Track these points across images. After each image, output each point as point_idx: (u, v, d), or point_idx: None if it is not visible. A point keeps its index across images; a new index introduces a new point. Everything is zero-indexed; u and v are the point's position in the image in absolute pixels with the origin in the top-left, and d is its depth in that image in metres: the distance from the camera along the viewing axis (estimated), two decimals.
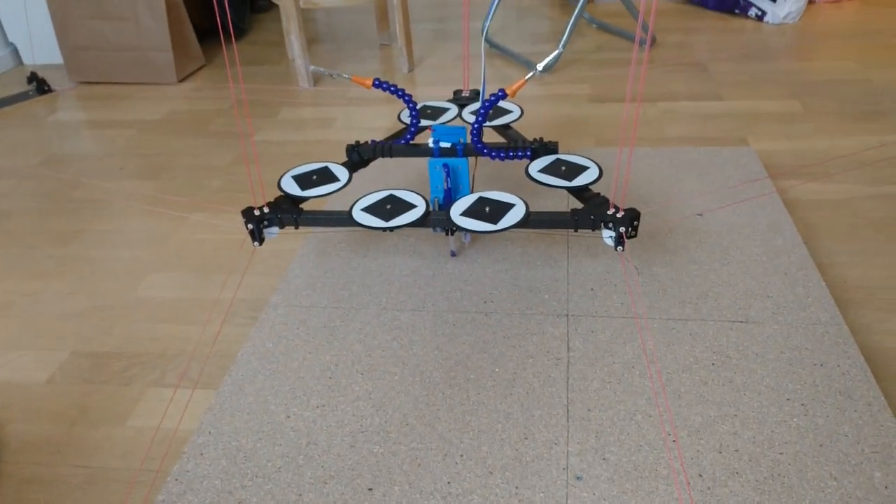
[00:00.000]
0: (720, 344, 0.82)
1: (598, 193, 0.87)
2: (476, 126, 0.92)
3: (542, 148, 0.97)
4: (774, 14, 2.01)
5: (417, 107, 1.11)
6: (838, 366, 0.78)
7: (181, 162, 1.46)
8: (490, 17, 1.98)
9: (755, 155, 1.24)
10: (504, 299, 0.92)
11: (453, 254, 1.02)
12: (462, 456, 0.70)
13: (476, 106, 1.12)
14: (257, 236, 0.88)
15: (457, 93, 1.17)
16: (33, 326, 1.00)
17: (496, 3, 1.96)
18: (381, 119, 1.59)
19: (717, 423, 0.72)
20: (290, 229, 0.91)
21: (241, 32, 2.24)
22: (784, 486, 0.65)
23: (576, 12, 1.71)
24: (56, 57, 1.98)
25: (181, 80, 1.91)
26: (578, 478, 0.68)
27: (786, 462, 0.67)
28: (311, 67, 0.93)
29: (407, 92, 0.95)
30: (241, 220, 1.22)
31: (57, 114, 1.76)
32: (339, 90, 1.79)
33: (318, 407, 0.77)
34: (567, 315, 0.88)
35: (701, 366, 0.79)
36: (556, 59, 0.86)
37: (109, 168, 1.46)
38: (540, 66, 0.85)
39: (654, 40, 1.90)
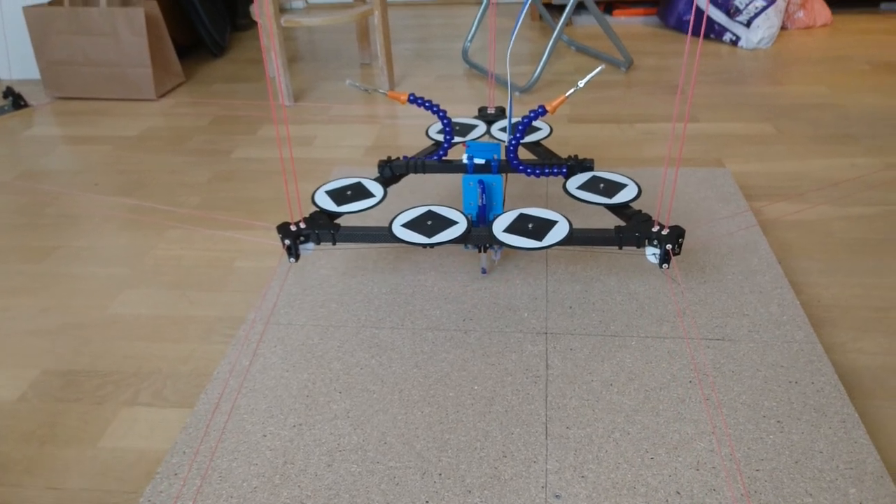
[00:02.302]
0: (697, 361, 0.83)
1: (640, 210, 0.87)
2: (514, 143, 0.92)
3: (578, 165, 0.97)
4: (748, 39, 2.05)
5: (441, 125, 1.11)
6: (812, 383, 0.79)
7: (158, 179, 1.45)
8: (471, 37, 2.00)
9: (731, 176, 1.26)
10: (483, 317, 0.92)
11: (484, 271, 1.02)
12: (440, 475, 0.70)
13: (505, 123, 1.12)
14: (294, 252, 0.87)
15: (482, 110, 1.18)
16: (4, 343, 0.98)
17: (476, 23, 1.99)
18: (361, 138, 1.59)
19: (695, 441, 0.72)
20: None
21: (220, 50, 2.24)
22: (761, 503, 0.65)
23: (555, 33, 1.73)
24: (33, 72, 1.96)
25: (160, 97, 1.90)
26: (557, 496, 0.67)
27: (762, 479, 0.68)
28: (348, 81, 0.93)
29: (442, 108, 0.96)
30: (218, 237, 1.21)
31: (33, 129, 1.74)
32: (320, 108, 1.79)
33: (295, 426, 0.77)
34: (546, 333, 0.89)
35: (678, 383, 0.80)
36: (598, 73, 0.86)
37: (85, 184, 1.44)
38: (581, 83, 0.85)
39: (630, 62, 1.93)
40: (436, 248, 1.07)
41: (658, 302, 0.93)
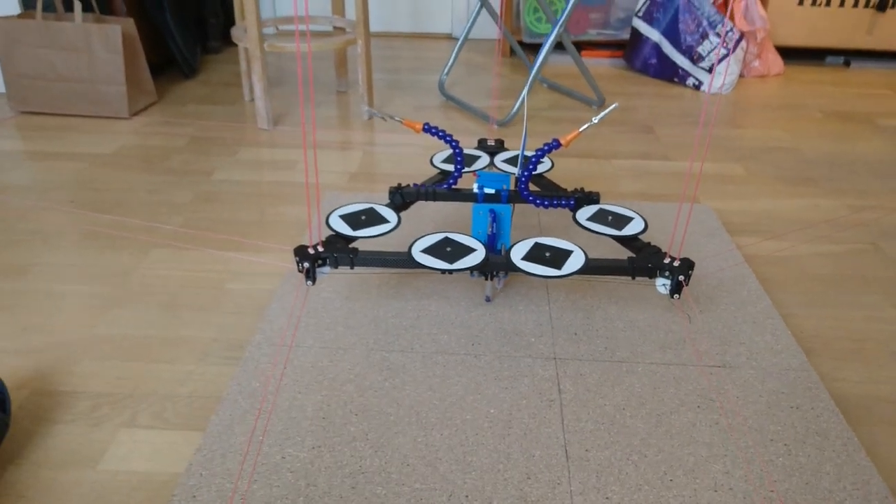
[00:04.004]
0: (702, 387, 0.86)
1: (649, 243, 0.90)
2: (526, 174, 0.94)
3: (585, 198, 1.00)
4: (710, 84, 2.16)
5: (446, 155, 1.12)
6: (812, 408, 0.83)
7: (138, 197, 1.41)
8: (448, 69, 2.05)
9: (712, 212, 1.32)
10: (491, 341, 0.93)
11: (488, 299, 1.03)
12: (467, 496, 0.70)
13: (508, 154, 1.15)
14: (312, 275, 0.87)
15: (481, 141, 1.20)
16: None
17: (454, 57, 2.03)
18: (344, 164, 1.60)
19: (710, 463, 0.75)
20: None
21: (192, 71, 2.21)
22: None
23: (533, 71, 1.79)
24: None
25: (132, 115, 1.86)
26: None
27: (777, 500, 0.70)
28: (365, 108, 0.94)
29: (454, 138, 0.98)
30: (206, 257, 1.20)
31: None
32: (300, 131, 1.79)
33: (314, 448, 0.75)
34: (555, 358, 0.90)
35: (688, 408, 0.82)
36: (613, 110, 0.90)
37: (59, 200, 1.40)
38: (595, 119, 0.89)
39: (602, 101, 2.01)
40: (435, 274, 1.08)
41: (658, 330, 0.96)
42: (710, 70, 2.14)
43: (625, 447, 0.77)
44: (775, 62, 2.35)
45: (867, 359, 0.98)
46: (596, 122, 0.88)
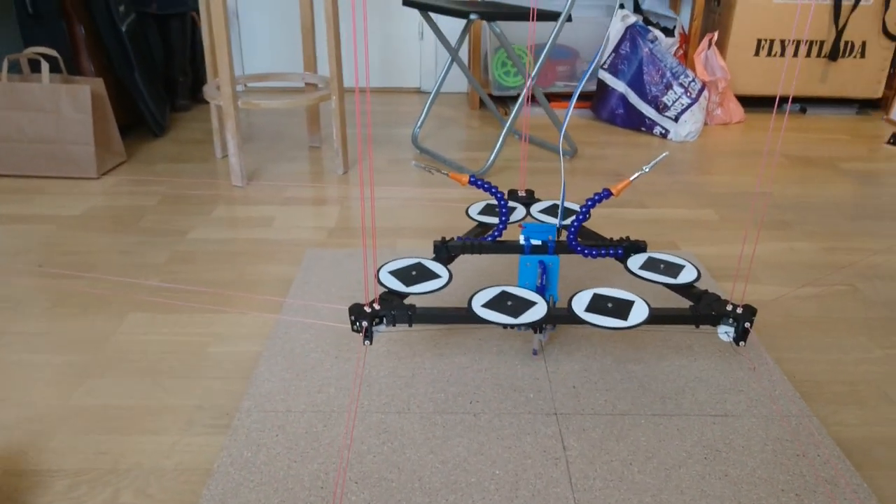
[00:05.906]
0: (707, 438, 0.85)
1: (707, 290, 0.90)
2: (575, 225, 0.94)
3: (632, 246, 1.00)
4: (677, 132, 2.22)
5: (481, 206, 1.12)
6: (818, 455, 0.82)
7: (110, 259, 1.37)
8: (421, 123, 2.06)
9: (694, 258, 1.33)
10: (490, 399, 0.91)
11: (535, 353, 1.00)
12: None
13: (545, 204, 1.15)
14: (369, 335, 0.84)
15: (511, 192, 1.19)
16: None
17: (426, 110, 2.05)
18: (322, 219, 1.58)
19: None
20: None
21: (162, 130, 2.19)
22: None
23: (507, 124, 1.81)
24: None
25: (101, 175, 1.82)
26: None
27: None
28: (413, 163, 0.93)
29: (500, 190, 0.97)
30: (185, 320, 1.16)
31: None
32: (275, 187, 1.77)
33: None
34: (555, 414, 0.88)
35: (695, 460, 0.81)
36: (663, 159, 0.91)
37: (26, 265, 1.35)
38: (647, 168, 0.89)
39: (575, 151, 2.04)
40: (426, 330, 1.06)
41: (656, 380, 0.95)
42: (676, 119, 2.20)
43: None
44: (736, 110, 2.42)
45: (862, 401, 0.98)
46: (647, 170, 0.90)
